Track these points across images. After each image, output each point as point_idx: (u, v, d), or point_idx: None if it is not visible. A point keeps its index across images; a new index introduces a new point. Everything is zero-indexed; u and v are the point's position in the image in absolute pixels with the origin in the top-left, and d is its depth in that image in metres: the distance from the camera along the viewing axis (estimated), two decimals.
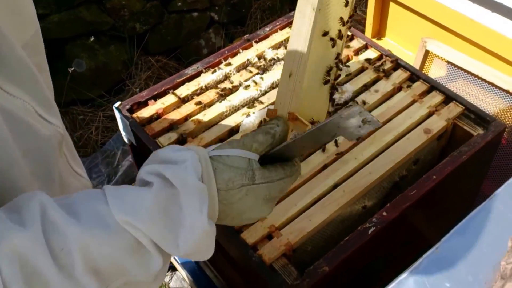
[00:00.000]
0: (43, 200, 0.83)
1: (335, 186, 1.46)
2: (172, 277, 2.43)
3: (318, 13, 1.13)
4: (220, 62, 1.83)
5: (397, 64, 1.79)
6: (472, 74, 2.00)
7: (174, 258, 2.23)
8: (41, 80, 1.11)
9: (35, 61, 1.09)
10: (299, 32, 1.13)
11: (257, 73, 1.78)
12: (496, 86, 1.92)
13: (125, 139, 1.74)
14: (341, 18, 1.23)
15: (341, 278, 1.37)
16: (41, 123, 1.13)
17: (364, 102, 1.66)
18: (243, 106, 1.70)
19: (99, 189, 0.91)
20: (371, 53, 1.83)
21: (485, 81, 1.95)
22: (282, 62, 1.80)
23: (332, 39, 1.21)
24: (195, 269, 2.14)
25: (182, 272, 2.32)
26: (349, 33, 1.89)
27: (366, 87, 1.73)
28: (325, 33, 1.19)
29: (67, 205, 0.85)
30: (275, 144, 1.00)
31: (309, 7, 1.12)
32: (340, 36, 1.23)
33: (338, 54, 1.25)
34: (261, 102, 1.69)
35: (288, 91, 1.12)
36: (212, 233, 0.91)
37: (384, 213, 1.39)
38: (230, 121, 1.65)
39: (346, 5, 1.23)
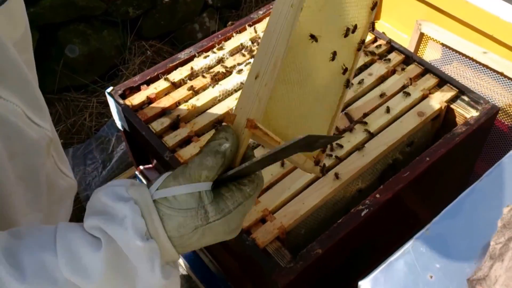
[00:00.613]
0: None
1: (328, 169, 1.47)
2: None
3: (298, 11, 1.01)
4: (213, 46, 1.83)
5: (391, 47, 1.79)
6: (467, 56, 2.00)
7: None
8: (32, 82, 1.11)
9: (24, 59, 1.09)
10: (272, 29, 1.01)
11: (251, 57, 1.79)
12: (491, 69, 1.92)
13: (118, 125, 1.75)
14: (347, 29, 1.11)
15: (334, 260, 1.39)
16: (30, 126, 1.12)
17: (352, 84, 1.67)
18: (236, 90, 1.71)
19: (52, 229, 0.86)
20: None
21: (480, 63, 1.96)
22: None
23: (333, 56, 1.09)
24: (190, 255, 2.15)
25: (183, 265, 2.33)
26: None
27: (360, 70, 1.74)
28: (312, 36, 1.07)
29: (13, 254, 0.80)
30: (227, 163, 0.89)
31: (287, 3, 0.99)
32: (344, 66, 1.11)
33: (346, 70, 1.15)
34: None
35: (251, 95, 0.97)
36: (174, 279, 0.87)
37: (377, 195, 1.40)
38: (223, 106, 1.66)
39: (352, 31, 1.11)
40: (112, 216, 0.84)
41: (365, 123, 1.57)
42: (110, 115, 3.48)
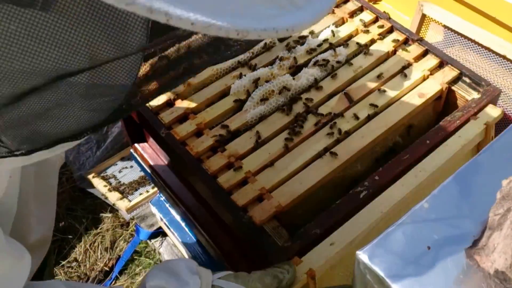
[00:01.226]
0: None
1: (326, 149, 1.47)
2: (162, 242, 2.45)
3: None
4: None
5: (392, 27, 1.78)
6: (469, 39, 2.00)
7: (165, 223, 2.25)
8: None
9: None
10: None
11: None
12: (493, 52, 1.92)
13: None
14: None
15: None
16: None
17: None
18: (234, 68, 1.70)
19: None
20: (367, 16, 1.82)
21: (482, 46, 1.95)
22: None
23: None
24: (186, 235, 2.16)
25: (172, 238, 2.34)
26: None
27: (360, 50, 1.73)
28: None
29: None
30: None
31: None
32: None
33: None
34: (252, 65, 1.68)
35: (322, 254, 1.24)
36: None
37: (376, 177, 1.40)
38: (221, 84, 1.65)
39: None
40: (178, 279, 1.02)
41: (376, 106, 1.56)
42: None
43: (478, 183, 0.96)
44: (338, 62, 1.67)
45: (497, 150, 1.01)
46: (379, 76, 1.63)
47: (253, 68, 1.67)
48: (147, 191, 2.65)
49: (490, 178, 0.94)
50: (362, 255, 0.88)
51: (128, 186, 2.76)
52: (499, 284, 0.80)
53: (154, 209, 2.29)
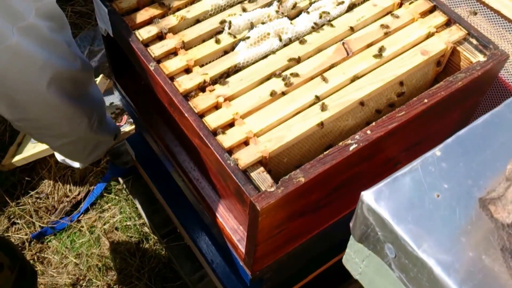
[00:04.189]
0: None
1: (319, 99, 1.51)
2: (135, 181, 2.51)
3: None
4: None
5: None
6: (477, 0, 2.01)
7: (140, 163, 2.28)
8: None
9: None
10: None
11: None
12: (502, 15, 1.94)
13: (101, 30, 1.76)
14: None
15: (315, 192, 1.44)
16: None
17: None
18: (230, 6, 1.71)
19: None
20: None
21: (491, 9, 1.97)
22: None
23: None
24: (161, 175, 2.19)
25: (146, 178, 2.38)
26: None
27: (364, 0, 1.75)
28: None
29: None
30: None
31: None
32: None
33: None
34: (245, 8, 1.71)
35: None
36: None
37: (368, 132, 1.44)
38: (215, 21, 1.67)
39: None
40: None
41: (375, 59, 1.60)
42: (84, 27, 3.45)
43: (496, 136, 0.96)
44: (339, 6, 1.70)
45: None
46: (381, 29, 1.66)
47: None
48: (123, 129, 2.68)
49: (510, 131, 0.95)
50: (367, 196, 0.89)
51: None
52: None
53: (129, 147, 2.33)
